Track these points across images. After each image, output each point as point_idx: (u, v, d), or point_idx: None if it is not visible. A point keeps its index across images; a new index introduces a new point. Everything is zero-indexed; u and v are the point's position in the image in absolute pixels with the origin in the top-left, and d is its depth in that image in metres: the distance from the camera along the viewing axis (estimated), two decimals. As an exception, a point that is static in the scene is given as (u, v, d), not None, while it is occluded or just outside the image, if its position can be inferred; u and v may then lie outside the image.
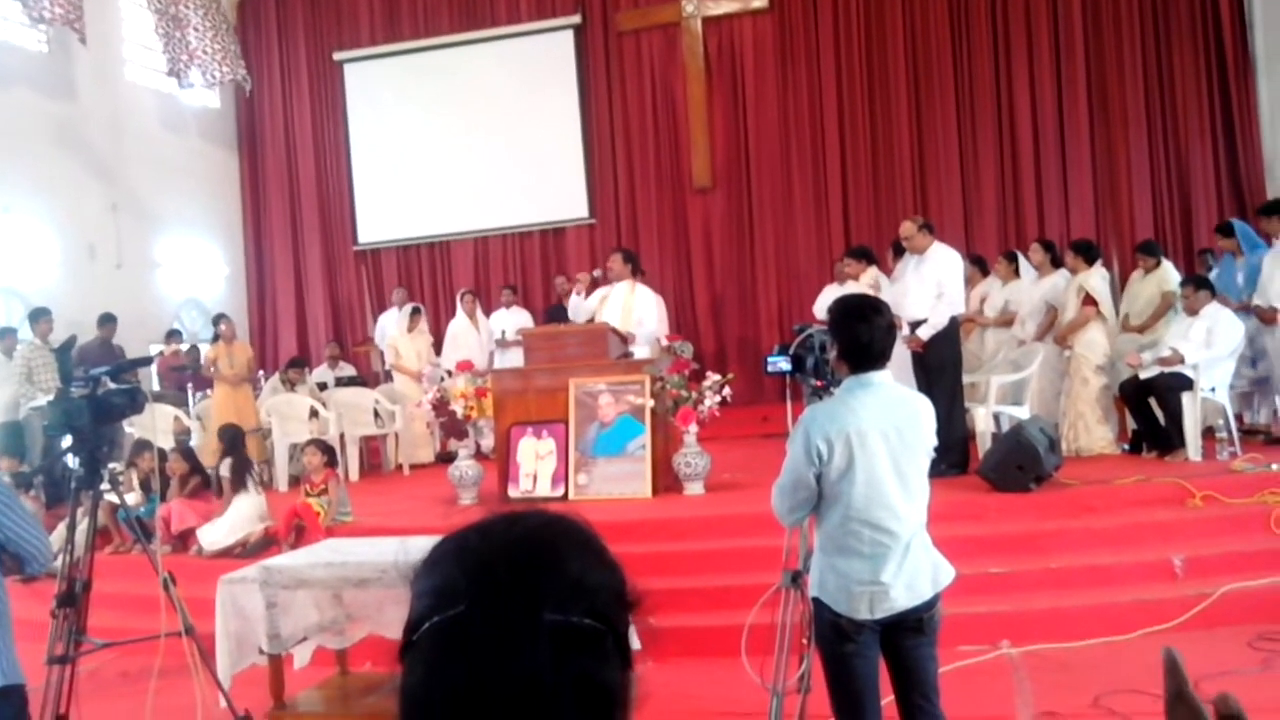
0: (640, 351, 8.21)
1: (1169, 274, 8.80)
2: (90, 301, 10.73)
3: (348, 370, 12.59)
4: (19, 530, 3.00)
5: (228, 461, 7.48)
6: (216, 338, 10.55)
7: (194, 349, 11.72)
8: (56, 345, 9.69)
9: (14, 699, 2.98)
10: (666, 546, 6.33)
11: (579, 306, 9.43)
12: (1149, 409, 7.65)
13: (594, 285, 9.51)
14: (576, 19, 13.78)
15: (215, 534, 7.16)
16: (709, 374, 7.58)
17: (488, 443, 8.48)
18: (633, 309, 8.42)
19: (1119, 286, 9.78)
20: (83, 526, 4.24)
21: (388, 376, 11.75)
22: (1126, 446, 8.10)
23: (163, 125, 13.53)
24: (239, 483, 7.34)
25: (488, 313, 11.76)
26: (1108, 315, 8.17)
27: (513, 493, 7.47)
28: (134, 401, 4.33)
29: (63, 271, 11.43)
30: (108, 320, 10.46)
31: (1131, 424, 8.08)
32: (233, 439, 7.69)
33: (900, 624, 3.08)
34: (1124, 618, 5.34)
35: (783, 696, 3.78)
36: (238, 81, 13.75)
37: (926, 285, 7.23)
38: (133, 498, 7.43)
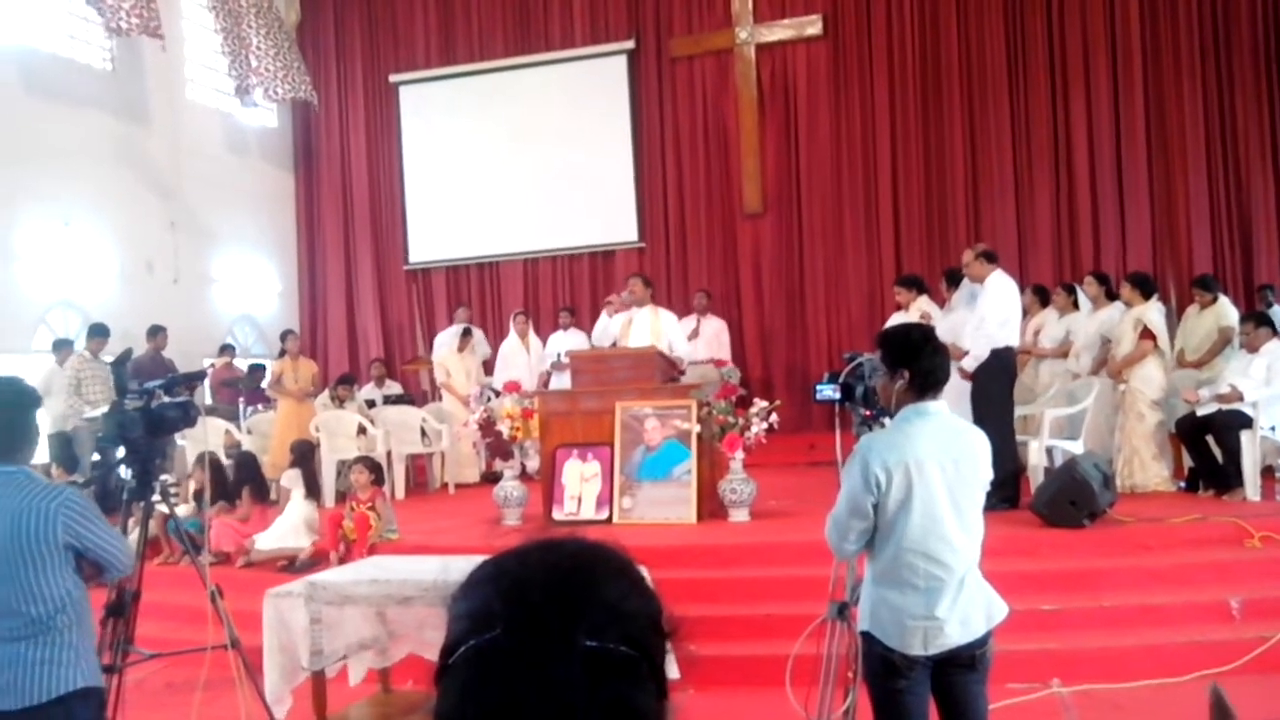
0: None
1: (1226, 310, 8.63)
2: (147, 315, 10.88)
3: (394, 389, 12.67)
4: (98, 539, 3.08)
5: (291, 473, 7.68)
6: (283, 353, 10.72)
7: (260, 367, 11.88)
8: (111, 358, 9.83)
9: (93, 700, 3.08)
10: (711, 573, 6.29)
11: (604, 330, 9.40)
12: (1206, 446, 7.51)
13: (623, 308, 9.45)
14: (630, 44, 13.85)
15: (267, 539, 7.37)
16: (756, 400, 7.55)
17: (533, 464, 8.48)
18: (661, 333, 8.41)
19: (1175, 321, 9.61)
20: (133, 537, 4.30)
21: (437, 395, 11.80)
22: (1183, 484, 7.93)
23: (222, 144, 13.77)
24: (309, 492, 7.69)
25: (545, 335, 11.77)
26: (1164, 350, 8.03)
27: (557, 515, 7.46)
28: (187, 415, 4.39)
29: (120, 285, 11.65)
30: (157, 331, 10.57)
31: (1188, 461, 7.92)
32: (303, 453, 8.08)
33: (952, 660, 3.02)
34: (1178, 659, 5.22)
35: (827, 730, 3.72)
36: (302, 97, 13.82)
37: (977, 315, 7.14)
38: (186, 509, 7.54)
